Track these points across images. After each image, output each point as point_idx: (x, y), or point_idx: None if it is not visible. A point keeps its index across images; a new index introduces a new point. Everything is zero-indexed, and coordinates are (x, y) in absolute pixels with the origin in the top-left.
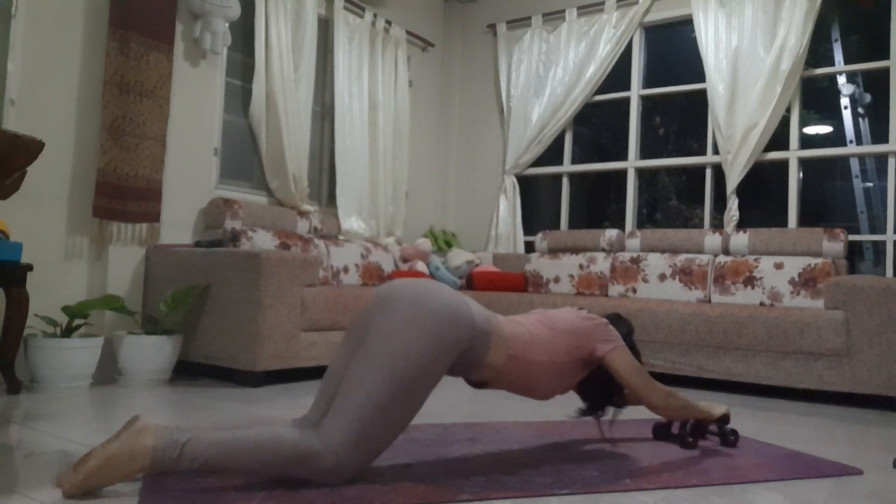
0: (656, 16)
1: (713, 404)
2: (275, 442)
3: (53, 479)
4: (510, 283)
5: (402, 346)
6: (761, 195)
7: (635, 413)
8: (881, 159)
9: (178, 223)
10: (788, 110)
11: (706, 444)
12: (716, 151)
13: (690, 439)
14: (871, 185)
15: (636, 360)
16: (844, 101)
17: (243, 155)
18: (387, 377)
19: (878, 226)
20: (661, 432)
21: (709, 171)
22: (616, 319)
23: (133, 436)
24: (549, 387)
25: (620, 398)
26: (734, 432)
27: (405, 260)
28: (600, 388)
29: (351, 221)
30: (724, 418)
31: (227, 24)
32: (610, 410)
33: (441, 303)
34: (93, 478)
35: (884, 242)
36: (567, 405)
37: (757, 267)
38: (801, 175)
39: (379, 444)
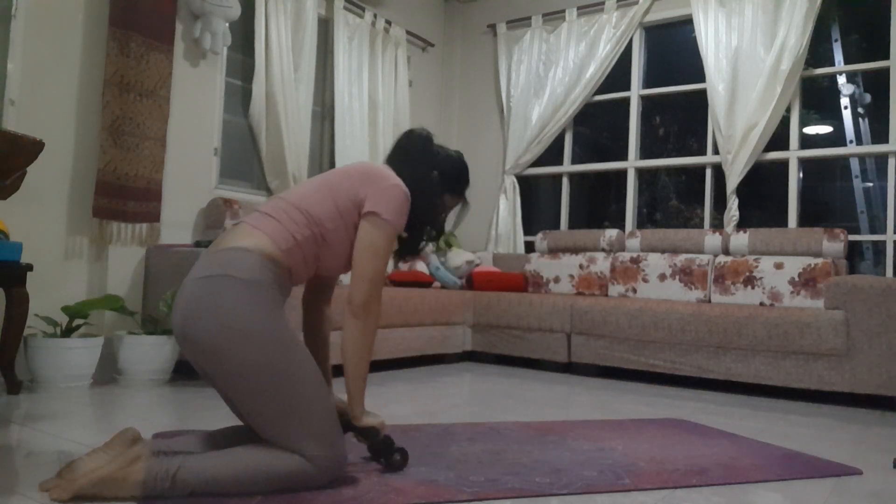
0: (656, 16)
1: (371, 413)
2: (266, 464)
3: (40, 485)
4: (510, 283)
5: (244, 365)
6: (761, 195)
7: (654, 413)
8: (881, 159)
9: (178, 223)
10: (788, 110)
11: (369, 466)
12: (716, 151)
13: (398, 457)
14: (871, 185)
15: (383, 246)
16: (844, 101)
17: (243, 155)
18: (265, 395)
19: (878, 226)
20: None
21: (709, 171)
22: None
23: (125, 464)
24: (333, 259)
25: (437, 231)
26: (402, 451)
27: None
28: (417, 224)
29: None
30: (372, 431)
31: (227, 24)
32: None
33: (223, 306)
34: (81, 493)
35: (884, 242)
36: (567, 405)
37: (757, 267)
38: (801, 175)
39: (323, 420)
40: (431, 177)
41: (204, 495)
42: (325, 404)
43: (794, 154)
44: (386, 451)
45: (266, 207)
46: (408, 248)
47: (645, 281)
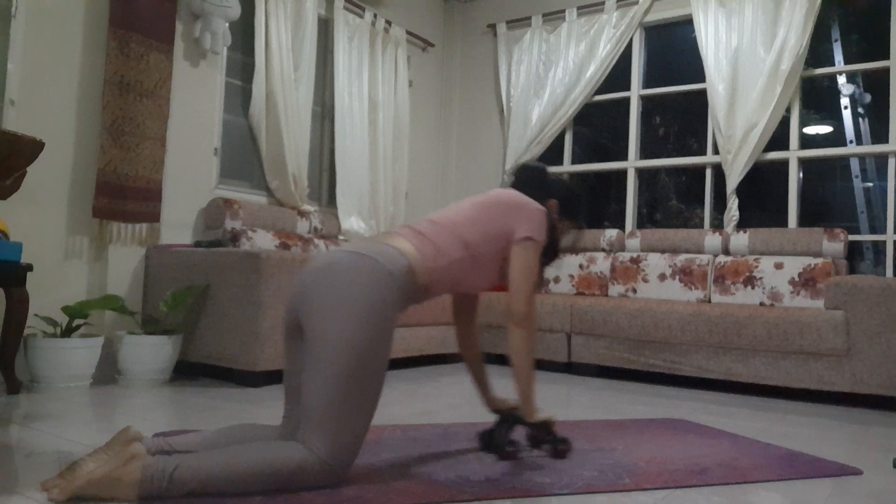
0: (656, 16)
1: (544, 410)
2: (265, 464)
3: (41, 484)
4: None
5: (345, 329)
6: (761, 195)
7: (654, 413)
8: (881, 159)
9: (178, 223)
10: (788, 110)
11: (531, 454)
12: (716, 151)
13: (511, 448)
14: (871, 185)
15: (536, 264)
16: (844, 101)
17: (243, 155)
18: (341, 371)
19: (878, 226)
20: (485, 440)
21: (709, 171)
22: (558, 184)
23: (122, 463)
24: (480, 279)
25: (553, 252)
26: (565, 440)
27: None
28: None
29: (351, 221)
30: (547, 424)
31: (227, 24)
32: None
33: (363, 281)
34: (80, 493)
35: (884, 242)
36: (567, 405)
37: (757, 267)
38: (801, 175)
39: (358, 435)
40: (549, 204)
41: (202, 495)
42: (368, 425)
43: (794, 154)
44: (553, 440)
45: (419, 226)
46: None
47: (645, 281)
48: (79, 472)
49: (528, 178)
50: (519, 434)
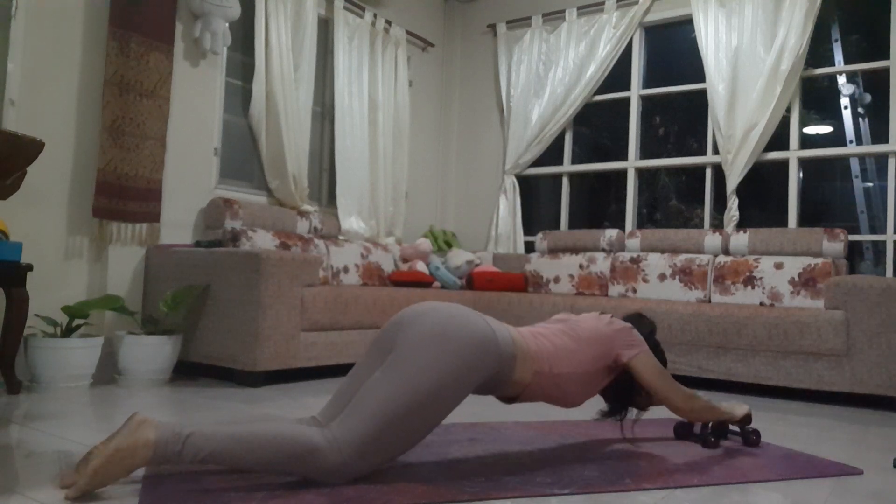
0: (656, 16)
1: (735, 405)
2: (278, 437)
3: (57, 480)
4: (510, 283)
5: (430, 364)
6: (761, 195)
7: (654, 412)
8: (881, 159)
9: (178, 223)
10: (788, 110)
11: (728, 444)
12: (716, 151)
13: (713, 439)
14: (871, 185)
15: (659, 364)
16: (844, 101)
17: (243, 155)
18: (408, 389)
19: (878, 226)
20: (682, 432)
21: (709, 171)
22: (638, 320)
23: (133, 430)
24: (577, 395)
25: (643, 400)
26: (756, 432)
27: (405, 260)
28: (624, 391)
29: (351, 221)
30: (746, 419)
31: (227, 24)
32: (633, 412)
33: (470, 330)
34: (96, 476)
35: (884, 242)
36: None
37: (757, 267)
38: (801, 175)
39: (385, 452)
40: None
41: (215, 462)
42: (398, 453)
43: (794, 154)
44: (746, 433)
45: (542, 330)
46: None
47: (645, 281)
48: (92, 460)
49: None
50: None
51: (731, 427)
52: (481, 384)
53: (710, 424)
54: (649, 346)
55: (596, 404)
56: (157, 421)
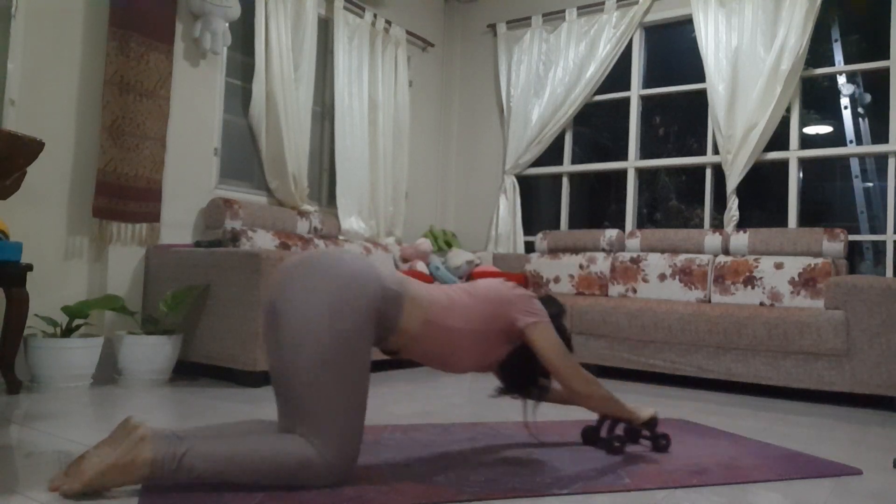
0: (656, 16)
1: (641, 407)
2: (272, 454)
3: (48, 483)
4: None
5: (314, 332)
6: (761, 195)
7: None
8: (881, 159)
9: (178, 223)
10: (788, 110)
11: (636, 448)
12: (716, 151)
13: (617, 444)
14: (871, 185)
15: (560, 340)
16: (844, 101)
17: (243, 155)
18: (321, 365)
19: (878, 226)
20: (589, 436)
21: (709, 171)
22: (546, 299)
23: (131, 446)
24: (467, 358)
25: (540, 390)
26: (666, 437)
27: (405, 260)
28: (521, 369)
29: (351, 221)
30: (652, 421)
31: (227, 24)
32: (531, 403)
33: (341, 268)
34: (91, 485)
35: (884, 242)
36: (566, 406)
37: (757, 267)
38: (801, 175)
39: (354, 429)
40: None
41: (209, 481)
42: (361, 417)
43: (794, 154)
44: (655, 437)
45: (441, 287)
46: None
47: (645, 281)
48: (84, 466)
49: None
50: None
51: (643, 432)
52: (373, 324)
53: (616, 427)
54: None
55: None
56: (155, 437)
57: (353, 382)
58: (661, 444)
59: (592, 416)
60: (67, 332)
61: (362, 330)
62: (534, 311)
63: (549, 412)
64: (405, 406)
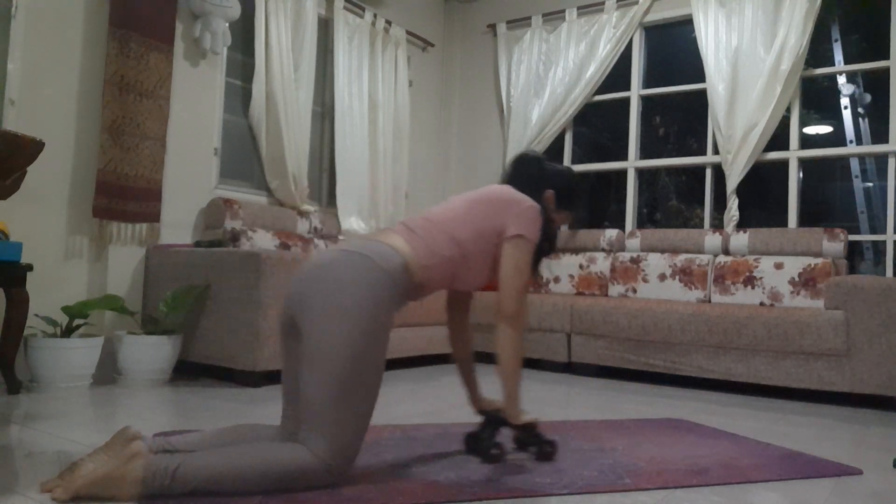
0: (656, 16)
1: (525, 411)
2: (267, 464)
3: (40, 486)
4: None
5: (341, 329)
6: (761, 195)
7: (606, 413)
8: (881, 159)
9: (178, 223)
10: (788, 110)
11: (518, 456)
12: (716, 151)
13: (495, 451)
14: (871, 185)
15: (525, 261)
16: (844, 101)
17: (243, 155)
18: (340, 367)
19: (878, 226)
20: (470, 443)
21: (709, 171)
22: (555, 173)
23: (123, 462)
24: (472, 276)
25: (549, 245)
26: (552, 443)
27: None
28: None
29: (351, 221)
30: (530, 426)
31: (227, 24)
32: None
33: (360, 283)
34: (80, 493)
35: (884, 242)
36: (567, 405)
37: (757, 267)
38: (801, 175)
39: (358, 433)
40: (546, 196)
41: (204, 493)
42: (367, 423)
43: (794, 154)
44: (539, 443)
45: (413, 224)
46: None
47: (645, 281)
48: (78, 472)
49: (524, 170)
50: (505, 436)
51: (529, 437)
52: (391, 308)
53: (495, 435)
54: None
55: (586, 403)
56: (148, 453)
57: (367, 389)
58: (545, 451)
59: (597, 416)
60: (67, 332)
61: (385, 328)
62: (523, 224)
63: (549, 412)
64: (405, 406)
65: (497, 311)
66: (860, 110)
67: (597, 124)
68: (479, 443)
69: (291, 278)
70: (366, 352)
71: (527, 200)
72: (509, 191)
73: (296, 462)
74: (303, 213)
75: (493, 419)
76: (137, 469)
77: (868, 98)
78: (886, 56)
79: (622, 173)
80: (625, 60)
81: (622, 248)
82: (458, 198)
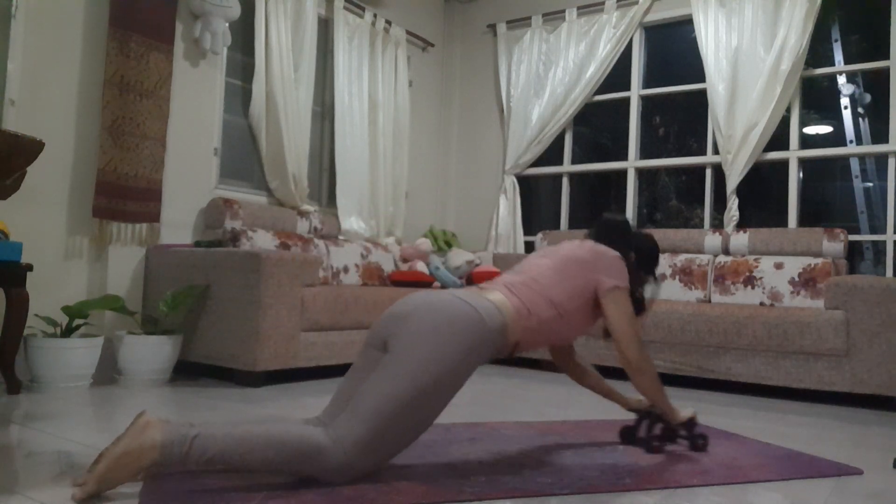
0: (656, 16)
1: (681, 408)
2: (283, 437)
3: (59, 480)
4: None
5: (429, 356)
6: (761, 195)
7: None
8: (881, 159)
9: (178, 223)
10: (788, 110)
11: (675, 448)
12: (716, 151)
13: (656, 443)
14: (871, 185)
15: (630, 307)
16: (844, 101)
17: (243, 155)
18: (407, 387)
19: (878, 226)
20: (627, 435)
21: (709, 171)
22: (640, 236)
23: (139, 432)
24: (575, 329)
25: (640, 305)
26: (704, 437)
27: (405, 260)
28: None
29: (351, 221)
30: (691, 421)
31: (227, 24)
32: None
33: (461, 324)
34: (103, 482)
35: (884, 242)
36: (567, 405)
37: (757, 267)
38: (801, 175)
39: (387, 450)
40: (630, 256)
41: (221, 463)
42: (395, 451)
43: (794, 154)
44: (693, 437)
45: (512, 284)
46: None
47: None
48: (102, 459)
49: (611, 232)
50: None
51: (681, 432)
52: (479, 360)
53: (654, 427)
54: (641, 268)
55: (586, 403)
56: (163, 421)
57: (416, 424)
58: (698, 444)
59: (597, 416)
60: (67, 332)
61: (466, 375)
62: (615, 274)
63: (549, 412)
64: None
65: (626, 363)
66: (860, 110)
67: (597, 124)
68: (638, 436)
69: (398, 301)
70: (436, 392)
71: (610, 251)
72: (593, 245)
73: (314, 439)
74: (303, 213)
75: (647, 415)
76: (155, 434)
77: (868, 98)
78: (886, 56)
79: (622, 173)
80: (625, 60)
81: None
82: (546, 256)
